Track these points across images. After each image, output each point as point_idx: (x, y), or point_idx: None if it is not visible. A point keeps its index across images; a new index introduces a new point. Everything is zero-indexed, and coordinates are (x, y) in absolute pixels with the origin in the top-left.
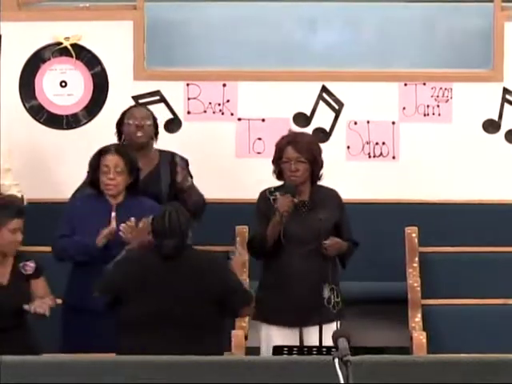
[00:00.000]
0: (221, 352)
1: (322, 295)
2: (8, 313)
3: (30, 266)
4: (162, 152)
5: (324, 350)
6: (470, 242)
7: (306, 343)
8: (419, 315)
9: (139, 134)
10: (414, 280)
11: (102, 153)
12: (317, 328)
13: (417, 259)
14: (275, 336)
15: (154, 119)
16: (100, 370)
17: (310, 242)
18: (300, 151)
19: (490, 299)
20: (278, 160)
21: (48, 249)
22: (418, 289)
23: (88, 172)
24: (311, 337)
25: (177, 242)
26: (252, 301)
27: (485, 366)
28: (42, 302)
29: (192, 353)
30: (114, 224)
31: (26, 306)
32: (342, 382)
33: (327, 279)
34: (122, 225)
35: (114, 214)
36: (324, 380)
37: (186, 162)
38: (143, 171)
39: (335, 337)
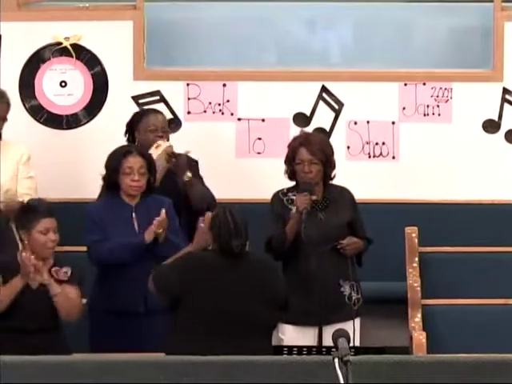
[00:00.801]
0: (270, 353)
1: (343, 292)
2: (35, 316)
3: (63, 272)
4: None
5: (324, 349)
6: (470, 241)
7: (325, 342)
8: (419, 315)
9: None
10: (413, 280)
11: (123, 154)
12: (337, 326)
13: (417, 259)
14: (296, 336)
15: (169, 124)
16: (100, 370)
17: (326, 241)
18: (313, 153)
19: (490, 299)
20: (291, 161)
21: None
22: (418, 289)
23: (105, 175)
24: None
25: (243, 241)
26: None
27: (485, 366)
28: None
29: (245, 353)
30: (136, 225)
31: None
32: (341, 381)
33: (347, 276)
34: (157, 218)
35: (134, 214)
36: (324, 380)
37: (196, 164)
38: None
39: (334, 337)
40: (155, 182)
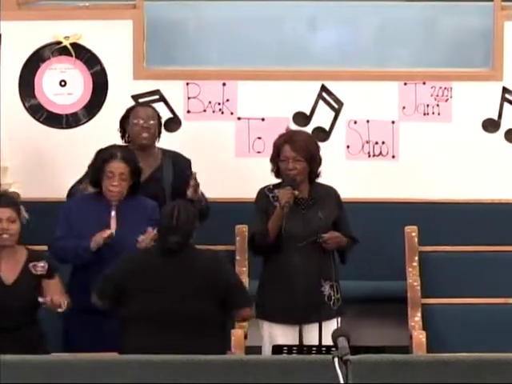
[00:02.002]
0: (223, 351)
1: (323, 292)
2: (11, 312)
3: (40, 266)
4: (165, 152)
5: (324, 349)
6: (470, 241)
7: (305, 341)
8: (419, 314)
9: (144, 135)
10: (413, 279)
11: (107, 158)
12: (317, 325)
13: (416, 258)
14: (276, 334)
15: (159, 118)
16: (100, 370)
17: (309, 239)
18: (297, 150)
19: (490, 298)
20: (275, 158)
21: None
22: (418, 288)
23: (88, 172)
24: (311, 334)
25: (181, 239)
26: (252, 304)
27: (484, 365)
28: (59, 296)
29: (194, 351)
30: (113, 223)
31: (41, 299)
32: (341, 381)
33: (327, 276)
34: (141, 237)
35: (113, 213)
36: (324, 379)
37: (189, 163)
38: (145, 171)
39: (335, 336)
40: (139, 186)
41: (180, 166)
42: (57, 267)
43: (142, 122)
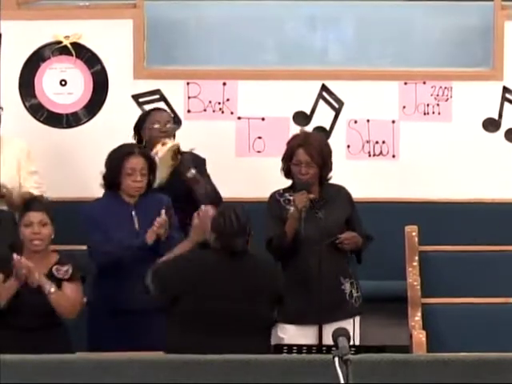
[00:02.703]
0: (269, 352)
1: (344, 290)
2: (34, 314)
3: (64, 271)
4: (181, 152)
5: (324, 348)
6: (470, 240)
7: (327, 340)
8: (419, 314)
9: (164, 139)
10: (413, 279)
11: (125, 155)
12: (339, 324)
13: (417, 258)
14: (296, 335)
15: (174, 121)
16: (101, 370)
17: (324, 239)
18: (311, 155)
19: (490, 298)
20: (288, 160)
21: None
22: (418, 287)
23: (106, 174)
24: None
25: (245, 240)
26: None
27: (484, 364)
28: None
29: (242, 352)
30: (136, 223)
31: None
32: (341, 380)
33: (347, 274)
34: (158, 219)
35: (134, 212)
36: (324, 379)
37: (204, 161)
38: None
39: (335, 336)
40: (154, 181)
41: (198, 162)
42: (82, 272)
43: (158, 126)
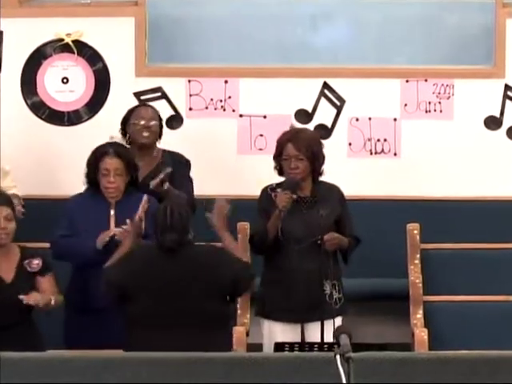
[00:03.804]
0: (229, 347)
1: (324, 291)
2: (10, 310)
3: (35, 264)
4: (165, 152)
5: (326, 346)
6: (472, 238)
7: (307, 339)
8: (421, 312)
9: (145, 134)
10: (415, 277)
11: (100, 155)
12: (318, 324)
13: (418, 256)
14: (277, 332)
15: (160, 119)
16: (101, 367)
17: (310, 238)
18: (299, 149)
19: (491, 296)
20: (278, 156)
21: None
22: (420, 285)
23: (86, 174)
24: (313, 333)
25: (178, 237)
26: (254, 276)
27: (486, 362)
28: (36, 295)
29: (199, 349)
30: (112, 222)
31: (21, 296)
32: (343, 378)
33: (328, 274)
34: (118, 230)
35: (112, 212)
36: (325, 377)
37: (189, 164)
38: (144, 170)
39: (337, 333)
40: (138, 181)
41: (179, 165)
42: (51, 265)
43: (143, 122)
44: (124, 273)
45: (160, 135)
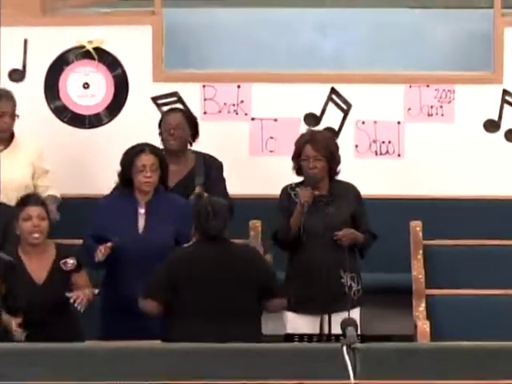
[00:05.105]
0: (260, 339)
1: (343, 283)
2: (43, 309)
3: (71, 263)
4: (198, 154)
5: (333, 337)
6: (472, 235)
7: (333, 330)
8: (423, 305)
9: (171, 142)
10: (418, 271)
11: (136, 153)
12: (338, 315)
13: (421, 252)
14: (298, 324)
15: (193, 121)
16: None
17: (327, 234)
18: (318, 149)
19: (490, 290)
20: (297, 158)
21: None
22: (422, 280)
23: (120, 172)
24: (333, 324)
25: (222, 224)
26: (287, 294)
27: (485, 352)
28: (82, 293)
29: (235, 339)
30: (142, 221)
31: (69, 295)
32: (349, 367)
33: (347, 268)
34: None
35: (142, 210)
36: (332, 366)
37: (221, 165)
38: (178, 175)
39: (343, 325)
40: (167, 180)
41: (212, 170)
42: (83, 261)
43: (168, 129)
44: (171, 273)
45: (193, 137)
